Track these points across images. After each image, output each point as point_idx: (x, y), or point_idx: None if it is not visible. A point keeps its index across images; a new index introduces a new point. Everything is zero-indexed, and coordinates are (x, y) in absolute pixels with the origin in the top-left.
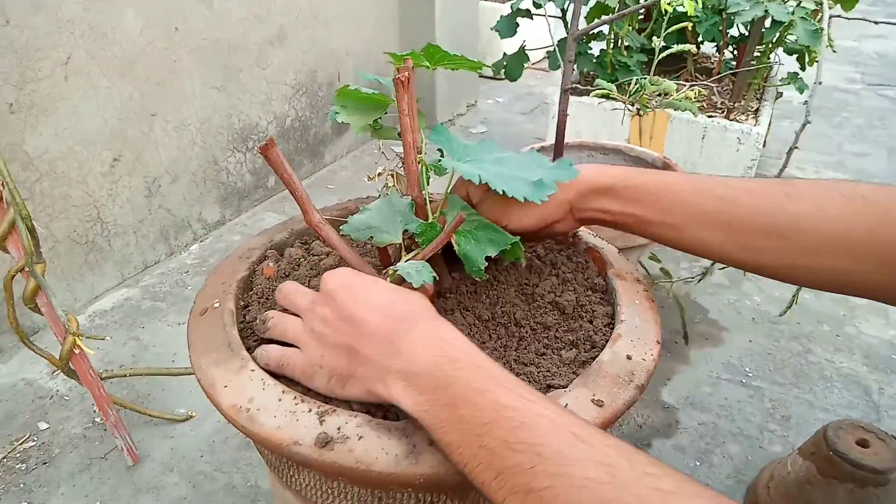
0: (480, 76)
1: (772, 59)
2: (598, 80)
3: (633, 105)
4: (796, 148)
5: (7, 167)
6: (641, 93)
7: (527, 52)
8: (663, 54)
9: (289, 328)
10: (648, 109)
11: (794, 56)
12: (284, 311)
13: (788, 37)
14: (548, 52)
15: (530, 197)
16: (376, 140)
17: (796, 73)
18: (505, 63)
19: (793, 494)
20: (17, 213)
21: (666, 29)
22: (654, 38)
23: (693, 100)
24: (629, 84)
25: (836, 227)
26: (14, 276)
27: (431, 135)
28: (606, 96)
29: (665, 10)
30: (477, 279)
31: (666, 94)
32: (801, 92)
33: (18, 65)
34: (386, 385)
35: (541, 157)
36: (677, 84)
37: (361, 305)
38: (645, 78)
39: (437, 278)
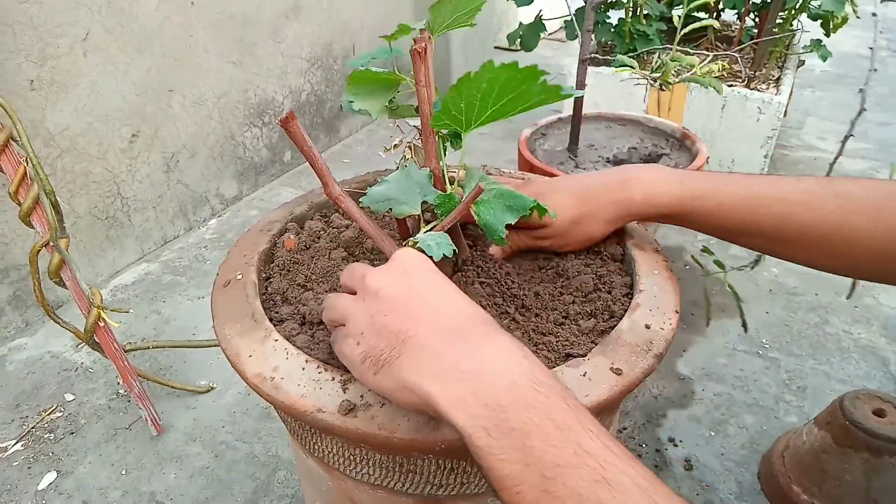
0: (496, 48)
1: (794, 26)
2: (617, 56)
3: (655, 81)
4: (851, 136)
5: (30, 143)
6: (664, 68)
7: (543, 21)
8: (686, 29)
9: (339, 302)
10: (671, 84)
11: (818, 22)
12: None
13: (812, 2)
14: (565, 21)
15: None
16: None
17: (819, 41)
18: (521, 33)
19: (808, 464)
20: (41, 188)
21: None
22: (674, 5)
23: (716, 73)
24: (648, 55)
25: (891, 238)
26: (39, 250)
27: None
28: (631, 69)
29: None
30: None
31: (689, 68)
32: (825, 59)
33: (38, 41)
34: (438, 383)
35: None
36: (699, 55)
37: (437, 293)
38: (667, 53)
39: (457, 250)
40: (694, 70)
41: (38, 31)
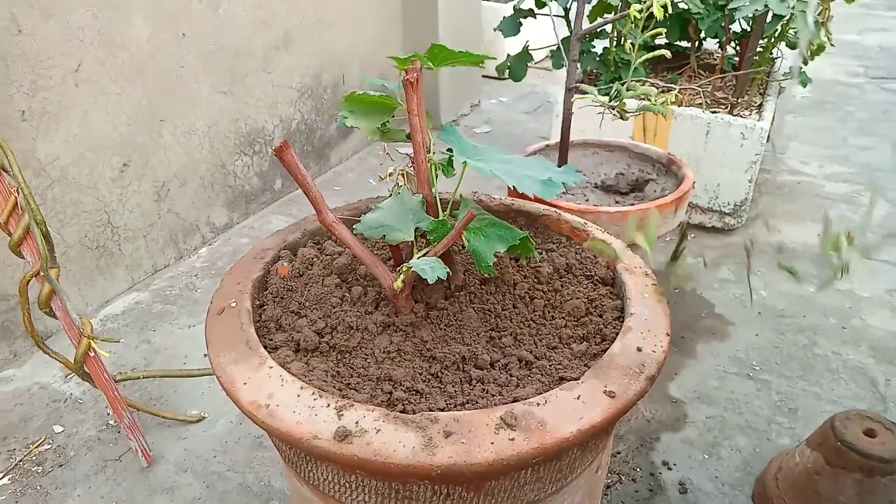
0: (483, 76)
1: (774, 54)
2: (580, 86)
3: (613, 108)
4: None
5: (21, 174)
6: (621, 97)
7: (530, 51)
8: (641, 59)
9: None
10: (628, 114)
11: (796, 50)
12: None
13: (790, 31)
14: (551, 51)
15: (541, 194)
16: (381, 143)
17: (800, 68)
18: (509, 64)
19: (801, 485)
20: (31, 218)
21: (644, 29)
22: (658, 35)
23: (671, 102)
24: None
25: None
26: (29, 280)
27: (442, 135)
28: (590, 96)
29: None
30: (487, 276)
31: (645, 97)
32: (804, 86)
33: (30, 73)
34: None
35: (546, 161)
36: (668, 87)
37: None
38: (623, 83)
39: (451, 274)
40: (651, 99)
41: (30, 63)
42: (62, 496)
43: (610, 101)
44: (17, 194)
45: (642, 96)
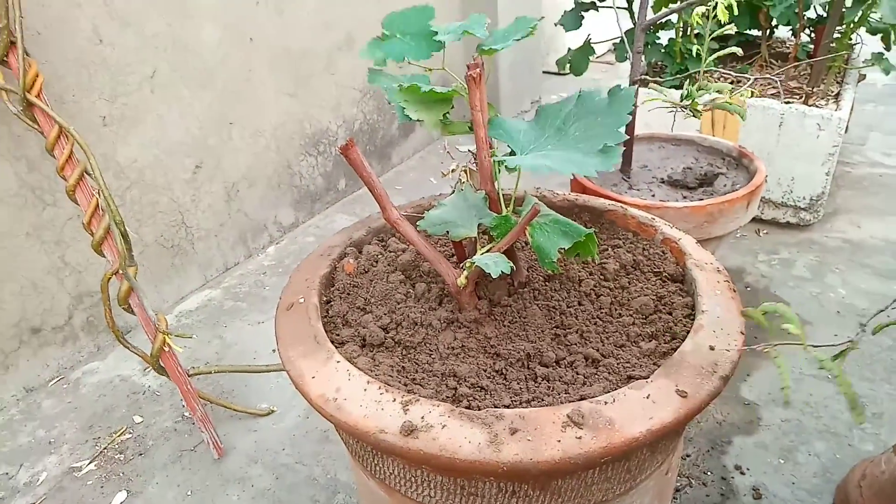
0: (544, 72)
1: (853, 41)
2: (649, 85)
3: (685, 108)
4: None
5: (102, 177)
6: (693, 97)
7: (592, 45)
8: (711, 57)
9: None
10: (700, 113)
11: (879, 36)
12: None
13: (871, 15)
14: (614, 44)
15: (602, 168)
16: (442, 142)
17: (881, 54)
18: (570, 58)
19: (888, 493)
20: (111, 219)
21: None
22: (725, 24)
23: (749, 95)
24: (698, 75)
25: None
26: (110, 278)
27: (490, 130)
28: (660, 98)
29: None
30: (551, 272)
31: (720, 93)
32: (887, 73)
33: (110, 80)
34: None
35: (592, 99)
36: (741, 78)
37: None
38: (695, 83)
39: (514, 269)
40: (723, 96)
41: (110, 71)
42: (142, 483)
43: (681, 101)
44: (98, 196)
45: (715, 94)
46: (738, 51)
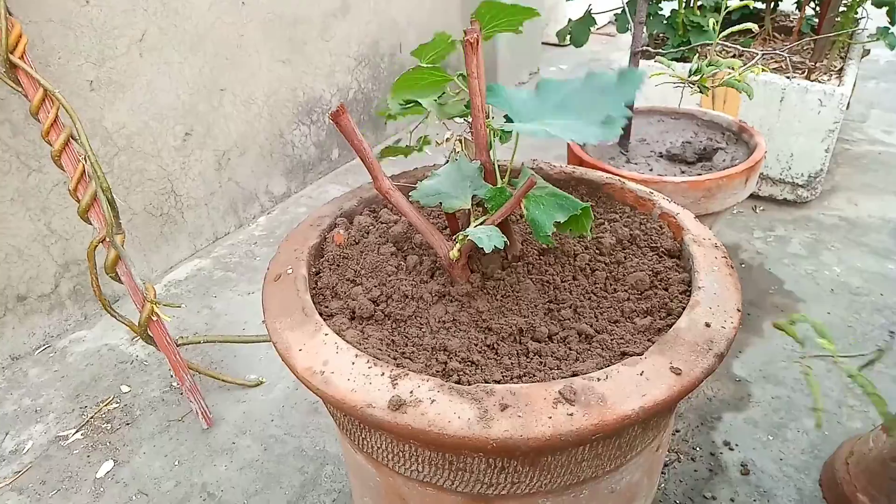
0: (543, 43)
1: (858, 15)
2: (656, 58)
3: (693, 84)
4: None
5: (89, 142)
6: (703, 73)
7: (593, 15)
8: (725, 32)
9: None
10: (708, 89)
11: (884, 9)
12: None
13: None
14: (615, 14)
15: (603, 138)
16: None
17: (887, 28)
18: (570, 29)
19: (875, 471)
20: (98, 186)
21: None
22: None
23: (761, 71)
24: (702, 48)
25: None
26: (96, 246)
27: (488, 97)
28: (667, 73)
29: None
30: (546, 246)
31: (732, 69)
32: (892, 48)
33: (98, 43)
34: None
35: (600, 78)
36: (747, 53)
37: None
38: (704, 58)
39: (508, 243)
40: (733, 72)
41: (97, 33)
42: (129, 453)
43: (690, 76)
44: (84, 162)
45: (727, 70)
46: (754, 27)
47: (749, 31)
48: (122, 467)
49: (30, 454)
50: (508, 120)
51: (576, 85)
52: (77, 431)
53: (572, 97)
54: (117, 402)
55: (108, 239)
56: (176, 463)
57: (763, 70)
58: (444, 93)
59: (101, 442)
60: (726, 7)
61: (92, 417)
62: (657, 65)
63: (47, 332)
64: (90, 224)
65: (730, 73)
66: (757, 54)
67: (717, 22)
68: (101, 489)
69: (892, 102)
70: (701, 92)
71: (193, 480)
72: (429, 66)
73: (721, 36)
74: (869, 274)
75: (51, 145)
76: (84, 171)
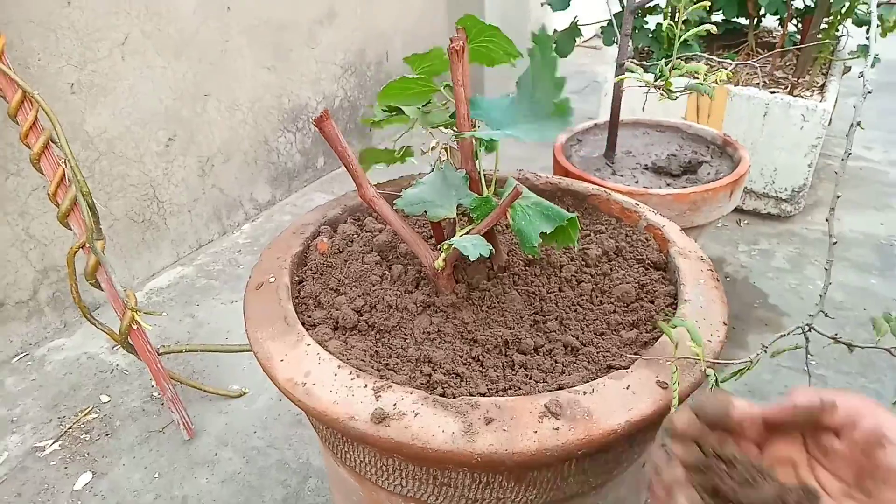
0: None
1: (840, 32)
2: (626, 65)
3: (658, 89)
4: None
5: (69, 146)
6: (666, 77)
7: (579, 26)
8: (687, 34)
9: None
10: (674, 94)
11: (865, 28)
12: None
13: (859, 7)
14: (601, 27)
15: (560, 126)
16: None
17: (867, 46)
18: (556, 39)
19: None
20: (78, 190)
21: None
22: (713, 12)
23: (723, 81)
24: (687, 60)
25: None
26: (76, 252)
27: (471, 109)
28: (634, 76)
29: None
30: (531, 257)
31: (696, 75)
32: (873, 66)
33: (79, 45)
34: None
35: (536, 67)
36: (722, 62)
37: None
38: (668, 63)
39: (494, 252)
40: (699, 78)
41: (79, 35)
42: (108, 464)
43: (655, 80)
44: (64, 166)
45: (691, 75)
46: (713, 28)
47: (734, 45)
48: (100, 479)
49: (5, 465)
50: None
51: (527, 78)
52: (55, 442)
53: (534, 91)
54: (97, 413)
55: (88, 245)
56: (156, 475)
57: (731, 78)
58: (429, 101)
59: (79, 453)
60: (691, 17)
61: (70, 428)
62: (646, 77)
63: (25, 340)
64: (70, 229)
65: (693, 78)
66: (729, 63)
67: (680, 31)
68: (79, 502)
69: (873, 119)
70: (668, 97)
71: (174, 493)
72: (417, 76)
73: (689, 38)
74: (852, 288)
75: (30, 148)
76: (64, 175)
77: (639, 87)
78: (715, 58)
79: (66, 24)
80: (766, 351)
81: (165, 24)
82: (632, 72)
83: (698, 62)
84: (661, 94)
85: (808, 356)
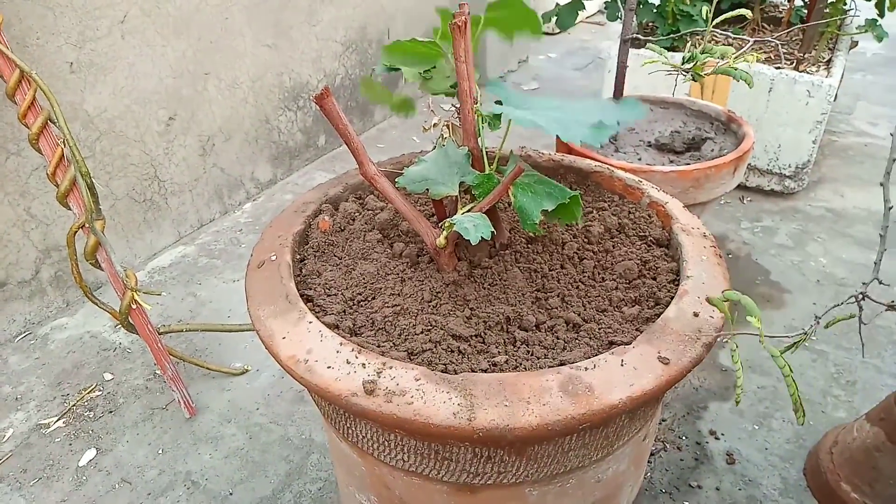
0: None
1: (847, 6)
2: (647, 45)
3: (687, 73)
4: None
5: (68, 126)
6: (697, 61)
7: (583, 0)
8: (718, 19)
9: None
10: (702, 77)
11: (873, 1)
12: None
13: None
14: (605, 2)
15: (588, 140)
16: (426, 99)
17: (875, 20)
18: (557, 12)
19: (858, 460)
20: (77, 170)
21: None
22: None
23: (754, 61)
24: (691, 36)
25: None
26: (76, 231)
27: (489, 88)
28: (660, 61)
29: None
30: (533, 234)
31: (722, 58)
32: (880, 40)
33: (78, 24)
34: None
35: (605, 101)
36: (738, 41)
37: None
38: (699, 43)
39: (495, 232)
40: (727, 60)
41: (77, 14)
42: (112, 441)
43: (683, 64)
44: (63, 146)
45: (719, 58)
46: (748, 13)
47: (740, 19)
48: (104, 455)
49: (10, 442)
50: (499, 104)
51: (577, 102)
52: (59, 419)
53: (570, 106)
54: (100, 390)
55: (87, 225)
56: (159, 451)
57: (758, 59)
58: (433, 67)
59: (83, 430)
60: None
61: (74, 405)
62: (647, 52)
63: (28, 319)
64: (69, 209)
65: (723, 62)
66: (748, 41)
67: (709, 11)
68: (84, 477)
69: (879, 95)
70: (694, 80)
71: (177, 469)
72: (425, 39)
73: (712, 24)
74: (854, 265)
75: (28, 128)
76: (63, 155)
77: (663, 71)
78: (726, 34)
79: (64, 3)
80: (818, 322)
81: (165, 2)
82: (647, 49)
83: (706, 38)
84: (687, 77)
85: (862, 323)
